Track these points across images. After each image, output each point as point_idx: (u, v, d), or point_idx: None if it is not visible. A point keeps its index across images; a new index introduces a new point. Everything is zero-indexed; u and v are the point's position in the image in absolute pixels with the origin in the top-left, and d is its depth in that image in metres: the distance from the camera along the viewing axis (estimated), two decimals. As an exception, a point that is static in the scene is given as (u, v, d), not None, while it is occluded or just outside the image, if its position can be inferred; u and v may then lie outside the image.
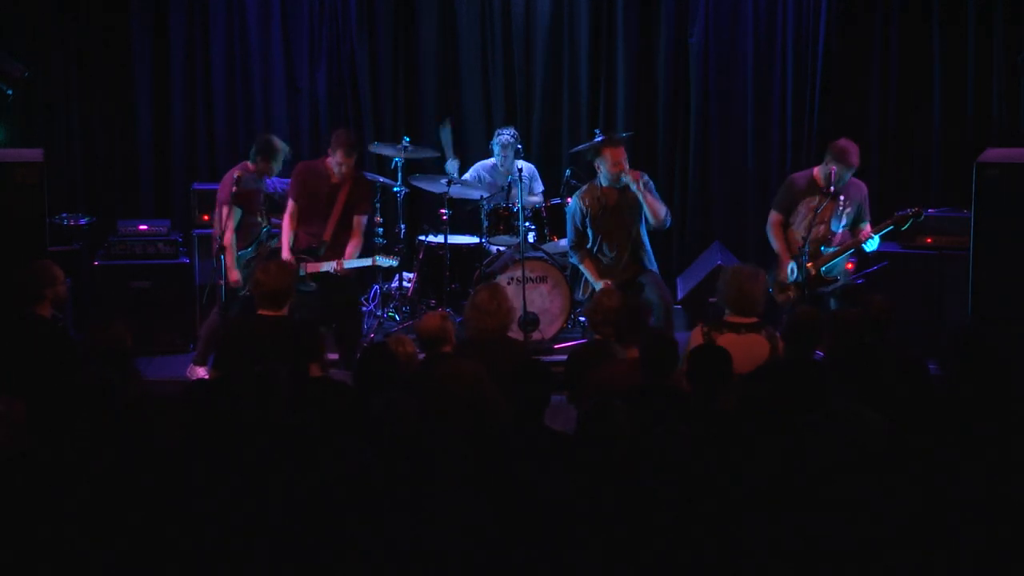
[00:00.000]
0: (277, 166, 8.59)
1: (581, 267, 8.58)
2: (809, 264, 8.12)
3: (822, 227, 8.25)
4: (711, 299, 8.46)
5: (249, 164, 8.58)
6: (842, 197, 8.19)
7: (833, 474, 4.40)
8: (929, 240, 9.04)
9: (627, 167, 8.33)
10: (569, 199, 9.21)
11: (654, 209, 8.36)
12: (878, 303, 6.37)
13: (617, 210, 8.44)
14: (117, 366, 5.66)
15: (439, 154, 9.62)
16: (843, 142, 8.27)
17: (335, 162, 8.30)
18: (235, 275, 8.23)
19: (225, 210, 8.34)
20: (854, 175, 8.29)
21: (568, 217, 8.64)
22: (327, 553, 4.28)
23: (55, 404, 5.13)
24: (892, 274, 8.75)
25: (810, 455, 4.50)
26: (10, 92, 9.14)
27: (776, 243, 8.37)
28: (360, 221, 8.43)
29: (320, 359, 5.90)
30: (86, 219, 9.48)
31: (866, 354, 5.94)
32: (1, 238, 7.93)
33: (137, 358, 6.09)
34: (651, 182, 8.54)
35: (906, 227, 8.27)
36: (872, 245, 8.22)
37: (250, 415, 4.99)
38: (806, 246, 8.04)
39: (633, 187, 8.31)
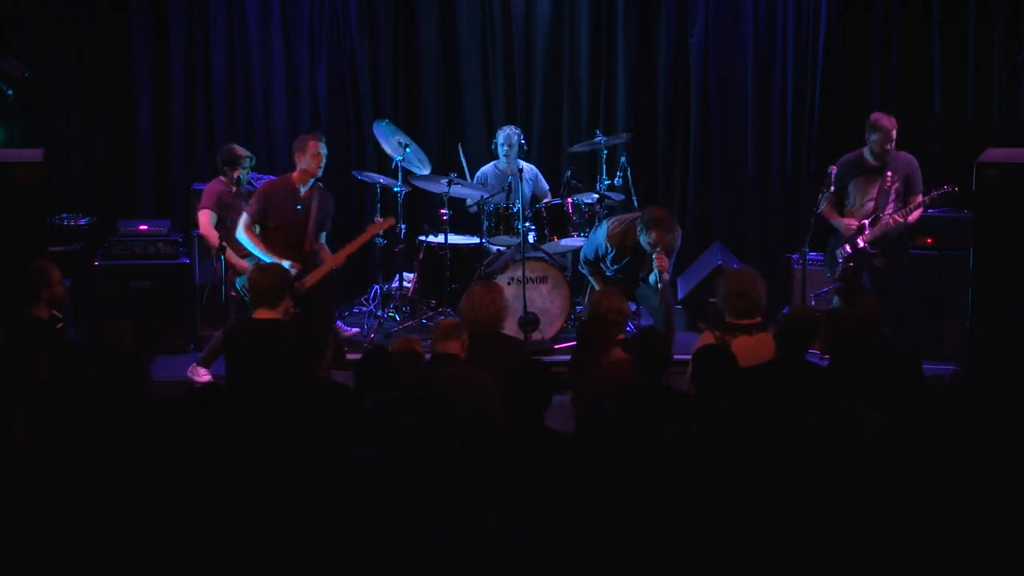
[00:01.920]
0: (245, 173, 8.65)
1: (590, 278, 8.56)
2: (861, 240, 8.34)
3: (870, 204, 8.34)
4: (711, 299, 8.45)
5: (222, 178, 8.65)
6: (889, 173, 8.30)
7: (833, 474, 4.40)
8: (929, 240, 9.04)
9: (665, 249, 8.05)
10: (569, 199, 9.21)
11: (661, 283, 8.20)
12: (869, 303, 6.37)
13: (638, 262, 8.30)
14: (120, 365, 5.64)
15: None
16: (876, 114, 8.47)
17: (310, 156, 8.14)
18: (244, 263, 8.22)
19: (205, 213, 8.51)
20: (901, 148, 8.42)
21: (592, 239, 8.53)
22: (325, 554, 4.28)
23: (51, 406, 5.11)
24: (892, 274, 8.75)
25: (810, 454, 4.50)
26: (10, 92, 9.15)
27: (834, 221, 8.48)
28: (323, 237, 8.40)
29: (319, 361, 5.88)
30: (86, 219, 9.49)
31: (860, 354, 5.94)
32: (1, 238, 7.93)
33: (148, 358, 6.05)
34: (679, 246, 8.34)
35: (939, 203, 8.43)
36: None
37: (249, 417, 4.99)
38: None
39: (652, 277, 8.10)
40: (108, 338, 5.94)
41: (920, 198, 8.36)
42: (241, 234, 8.12)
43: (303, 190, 8.19)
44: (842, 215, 8.47)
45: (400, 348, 6.24)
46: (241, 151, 8.72)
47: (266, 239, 8.15)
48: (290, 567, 4.30)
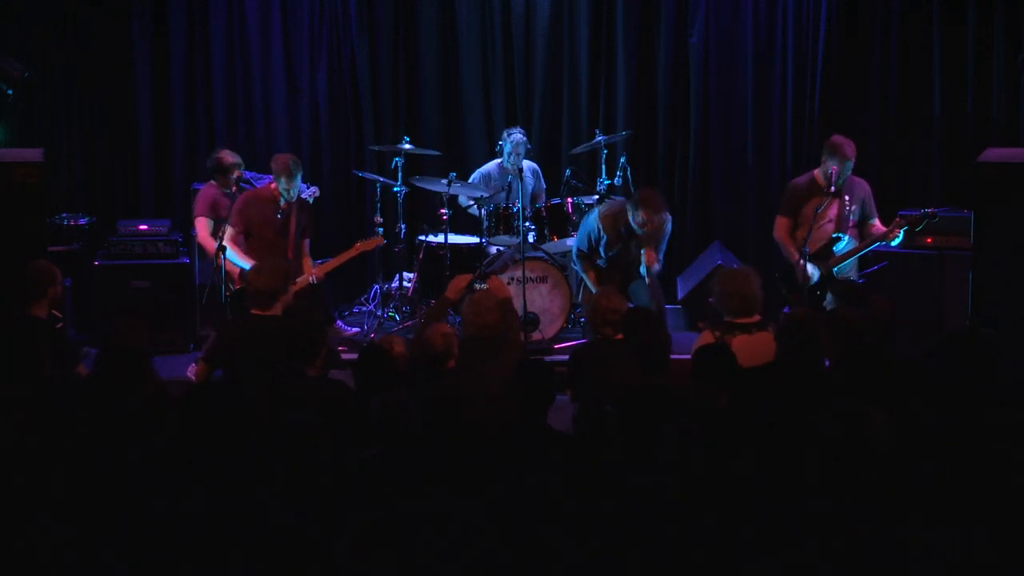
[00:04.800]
0: (233, 177, 8.74)
1: (583, 275, 8.57)
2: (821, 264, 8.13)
3: (829, 226, 8.23)
4: (711, 299, 8.44)
5: (213, 183, 8.76)
6: (846, 196, 8.20)
7: (839, 474, 4.39)
8: (929, 240, 9.03)
9: (655, 233, 8.17)
10: (569, 199, 9.21)
11: (650, 277, 8.25)
12: (878, 303, 6.34)
13: (631, 247, 8.32)
14: (134, 367, 5.63)
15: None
16: (836, 138, 8.29)
17: (283, 188, 8.25)
18: (238, 270, 8.22)
19: (202, 222, 8.69)
20: (855, 173, 8.30)
21: (583, 227, 8.57)
22: (325, 554, 4.28)
23: (52, 403, 5.10)
24: (892, 274, 8.75)
25: (816, 454, 4.48)
26: (10, 92, 9.15)
27: (786, 248, 8.30)
28: (307, 244, 8.53)
29: (316, 358, 5.89)
30: (86, 219, 9.49)
31: (866, 355, 5.92)
32: (1, 238, 7.93)
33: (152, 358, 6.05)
34: (669, 233, 8.41)
35: (919, 228, 8.28)
36: (897, 240, 8.19)
37: (248, 414, 4.99)
38: (806, 247, 8.00)
39: (642, 269, 8.18)
40: (125, 342, 5.93)
41: (877, 224, 8.22)
42: (228, 249, 8.15)
43: (283, 199, 8.23)
44: (793, 238, 8.27)
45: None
46: (230, 158, 8.81)
47: (249, 248, 8.26)
48: (290, 567, 4.30)
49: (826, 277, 8.11)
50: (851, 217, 8.25)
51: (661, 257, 8.38)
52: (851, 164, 8.20)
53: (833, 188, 8.08)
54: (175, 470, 4.59)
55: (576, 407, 5.01)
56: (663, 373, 5.76)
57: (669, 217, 8.38)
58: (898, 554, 4.18)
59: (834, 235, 8.21)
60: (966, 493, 4.45)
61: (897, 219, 8.14)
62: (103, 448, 4.76)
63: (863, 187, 8.36)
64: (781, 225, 8.37)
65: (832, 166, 8.13)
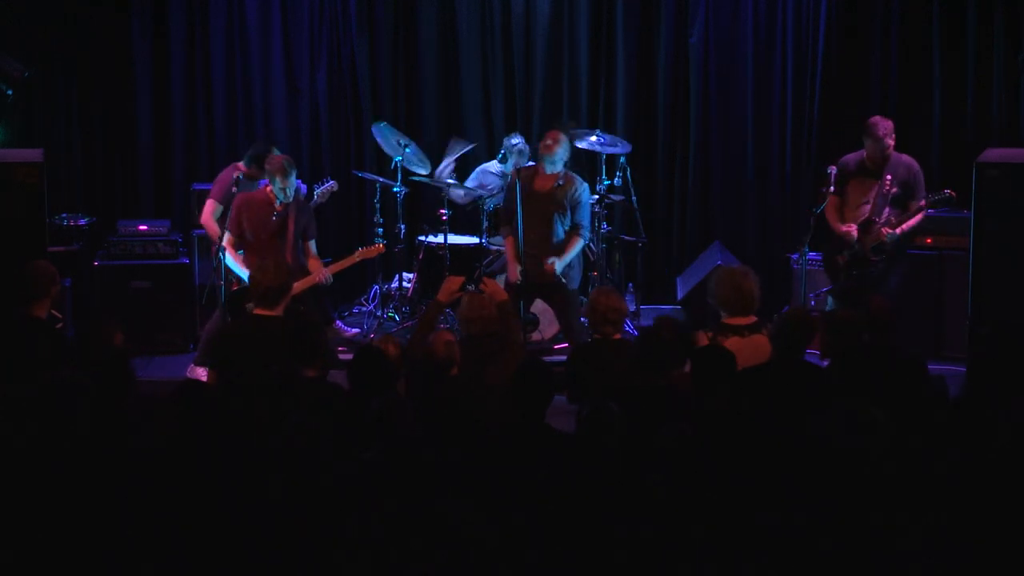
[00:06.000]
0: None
1: (505, 242, 8.35)
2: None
3: (866, 207, 8.29)
4: (710, 299, 8.45)
5: (242, 165, 8.64)
6: (888, 176, 8.23)
7: (840, 473, 4.39)
8: (929, 240, 9.04)
9: (552, 156, 8.10)
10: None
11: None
12: (877, 303, 6.33)
13: (540, 198, 8.17)
14: (110, 367, 5.62)
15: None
16: (872, 118, 8.42)
17: (278, 188, 8.10)
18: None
19: (210, 204, 8.57)
20: (901, 149, 8.38)
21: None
22: (323, 555, 4.28)
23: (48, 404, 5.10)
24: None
25: (816, 453, 4.48)
26: (10, 92, 9.15)
27: (833, 223, 8.38)
28: (312, 245, 8.40)
29: (316, 360, 5.88)
30: (86, 219, 9.49)
31: (864, 354, 5.92)
32: (1, 238, 7.93)
33: (134, 359, 6.02)
34: (581, 196, 8.19)
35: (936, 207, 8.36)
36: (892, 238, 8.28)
37: (244, 415, 4.99)
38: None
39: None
40: (97, 341, 5.92)
41: (921, 203, 8.30)
42: (227, 256, 8.12)
43: (278, 201, 8.17)
44: (840, 218, 8.41)
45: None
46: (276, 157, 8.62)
47: (247, 252, 8.17)
48: (290, 568, 4.30)
49: (862, 257, 8.21)
50: (890, 197, 8.28)
51: (586, 223, 8.23)
52: (885, 143, 8.29)
53: (871, 165, 8.27)
54: (169, 471, 4.59)
55: (582, 406, 4.99)
56: (663, 374, 5.74)
57: (581, 181, 8.27)
58: (895, 553, 4.18)
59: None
60: (966, 493, 4.45)
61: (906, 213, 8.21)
62: (89, 448, 4.76)
63: (909, 167, 8.38)
64: (831, 203, 8.41)
65: (869, 144, 8.29)
